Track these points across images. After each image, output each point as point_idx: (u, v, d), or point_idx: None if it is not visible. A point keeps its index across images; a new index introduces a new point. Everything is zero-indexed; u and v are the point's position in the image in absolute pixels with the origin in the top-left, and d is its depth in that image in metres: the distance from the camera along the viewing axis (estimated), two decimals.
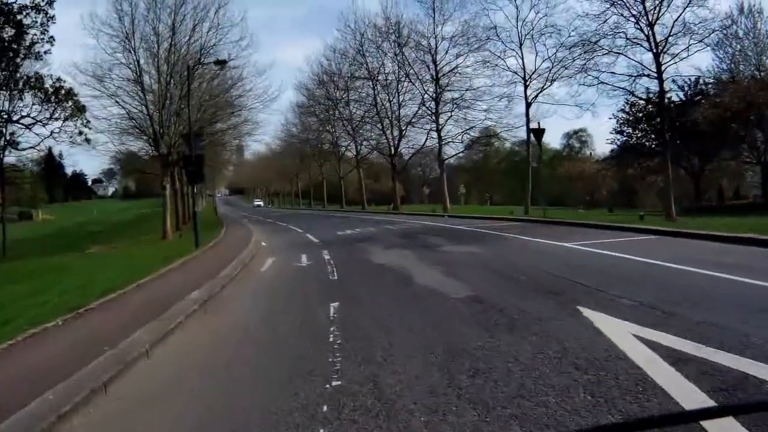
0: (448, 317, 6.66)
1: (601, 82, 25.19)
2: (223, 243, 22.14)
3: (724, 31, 24.41)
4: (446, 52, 42.23)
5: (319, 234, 23.22)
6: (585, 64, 25.24)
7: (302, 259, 14.44)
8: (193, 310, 8.23)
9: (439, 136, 43.60)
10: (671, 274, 8.88)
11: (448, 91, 43.42)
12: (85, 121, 30.45)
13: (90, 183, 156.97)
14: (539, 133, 25.82)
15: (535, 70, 34.18)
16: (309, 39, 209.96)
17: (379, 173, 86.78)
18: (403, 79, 47.56)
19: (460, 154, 56.87)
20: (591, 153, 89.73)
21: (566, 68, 30.87)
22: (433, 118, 43.89)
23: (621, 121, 42.21)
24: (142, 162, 45.18)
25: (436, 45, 42.51)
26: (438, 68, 42.76)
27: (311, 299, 8.76)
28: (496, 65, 36.60)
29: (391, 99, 50.80)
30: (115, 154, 35.89)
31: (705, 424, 3.07)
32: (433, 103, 43.57)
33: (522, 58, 34.74)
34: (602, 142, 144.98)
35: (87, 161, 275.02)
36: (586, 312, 6.40)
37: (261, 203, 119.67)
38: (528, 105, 34.61)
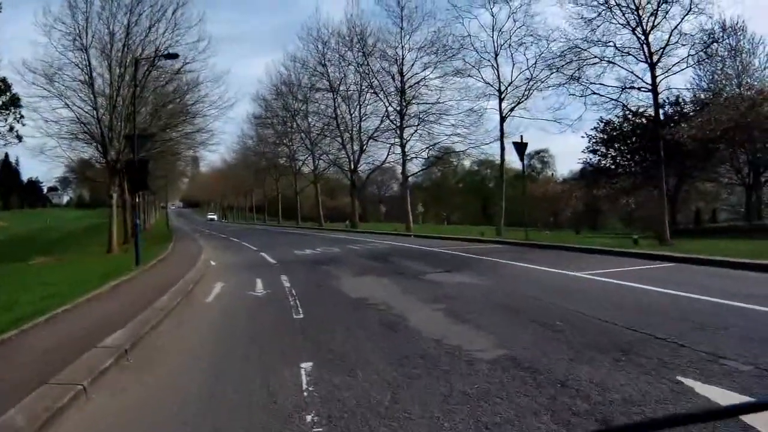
0: (491, 398, 4.28)
1: (593, 93, 23.33)
2: (168, 261, 19.52)
3: (706, 50, 22.84)
4: (414, 63, 40.17)
5: (275, 253, 20.71)
6: (573, 73, 23.35)
7: (257, 285, 11.96)
8: (105, 368, 5.76)
9: (403, 152, 41.36)
10: (748, 317, 6.78)
11: (415, 104, 41.38)
12: (18, 116, 27.47)
13: (45, 191, 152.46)
14: (522, 147, 23.78)
15: (512, 81, 32.33)
16: (275, 53, 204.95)
17: (334, 189, 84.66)
18: (366, 90, 45.42)
19: (421, 172, 54.83)
20: (553, 174, 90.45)
21: (543, 81, 29.26)
22: (398, 132, 41.73)
23: (595, 140, 40.92)
24: (95, 170, 42.02)
25: (402, 55, 40.41)
26: (404, 80, 40.69)
27: (271, 353, 6.22)
28: (470, 75, 34.56)
29: (352, 112, 48.55)
30: (65, 161, 32.85)
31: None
32: (397, 116, 41.41)
33: (497, 70, 32.82)
34: (564, 162, 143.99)
35: (40, 167, 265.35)
36: (700, 387, 4.23)
37: (215, 217, 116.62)
38: (503, 119, 32.71)
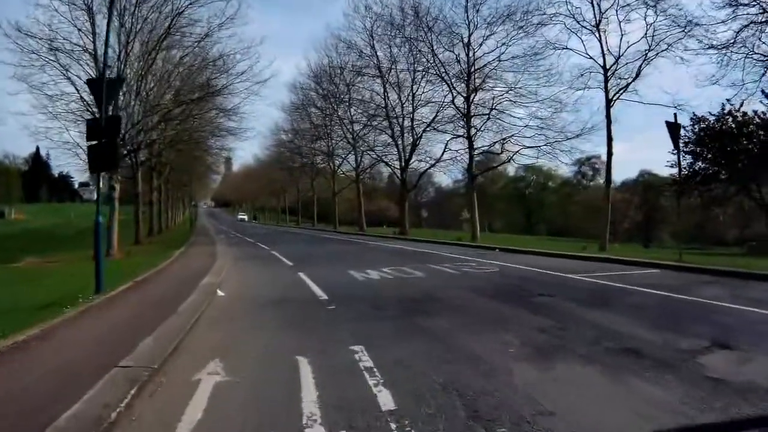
0: None
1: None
2: (154, 283, 12.37)
3: None
4: (485, 39, 32.67)
5: (322, 276, 13.31)
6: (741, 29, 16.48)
7: (304, 393, 4.44)
8: None
9: (471, 145, 33.80)
10: None
11: (484, 89, 33.92)
12: None
13: (77, 186, 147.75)
14: (676, 128, 16.36)
15: (621, 54, 25.21)
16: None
17: (371, 191, 77.98)
18: (423, 73, 37.95)
19: (488, 172, 47.47)
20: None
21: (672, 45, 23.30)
22: (463, 122, 34.22)
23: (689, 141, 33.49)
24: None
25: (470, 29, 32.98)
26: (473, 59, 33.26)
27: None
28: (566, 48, 27.42)
29: (403, 100, 41.04)
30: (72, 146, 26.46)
31: None
32: (464, 102, 33.89)
33: (601, 41, 25.59)
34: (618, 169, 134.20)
35: (72, 162, 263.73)
36: None
37: (245, 217, 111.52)
38: (609, 103, 25.40)
